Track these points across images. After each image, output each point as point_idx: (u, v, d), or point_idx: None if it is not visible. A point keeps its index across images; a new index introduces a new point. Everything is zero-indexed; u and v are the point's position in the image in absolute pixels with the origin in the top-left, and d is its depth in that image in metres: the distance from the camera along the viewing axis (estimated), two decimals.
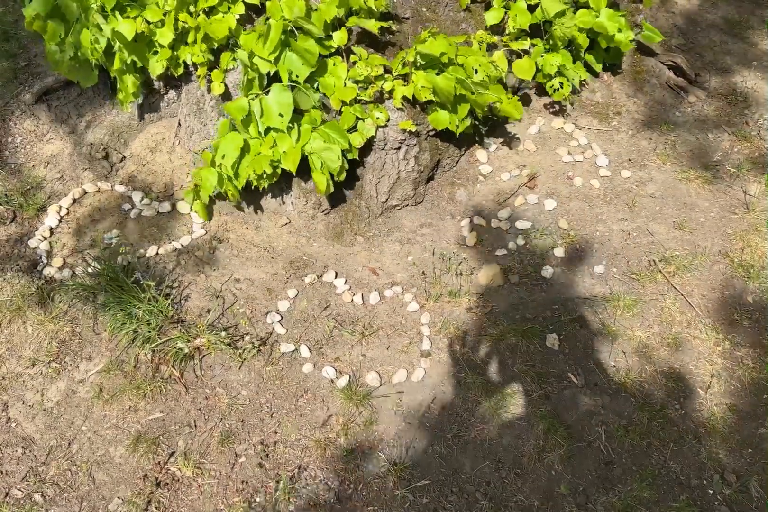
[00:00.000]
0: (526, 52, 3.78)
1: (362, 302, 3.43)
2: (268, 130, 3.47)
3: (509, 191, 3.88)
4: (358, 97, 3.48)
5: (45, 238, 3.66)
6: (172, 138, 3.98)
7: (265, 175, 3.46)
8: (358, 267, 3.60)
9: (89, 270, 3.39)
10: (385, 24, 3.43)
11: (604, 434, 2.97)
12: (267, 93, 3.39)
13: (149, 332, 3.17)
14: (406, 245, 3.69)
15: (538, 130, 4.12)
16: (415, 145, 3.65)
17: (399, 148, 3.63)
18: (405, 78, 3.47)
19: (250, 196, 3.70)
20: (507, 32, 3.80)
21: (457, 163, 3.96)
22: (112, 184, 3.90)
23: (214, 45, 3.49)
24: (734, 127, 4.22)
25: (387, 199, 3.76)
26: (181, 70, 3.65)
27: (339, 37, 3.40)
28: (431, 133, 3.71)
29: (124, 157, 3.97)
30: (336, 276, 3.52)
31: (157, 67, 3.59)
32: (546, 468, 2.89)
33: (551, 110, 4.22)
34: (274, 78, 3.36)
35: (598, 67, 4.23)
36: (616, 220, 3.73)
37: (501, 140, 4.08)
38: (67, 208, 3.80)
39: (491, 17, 3.73)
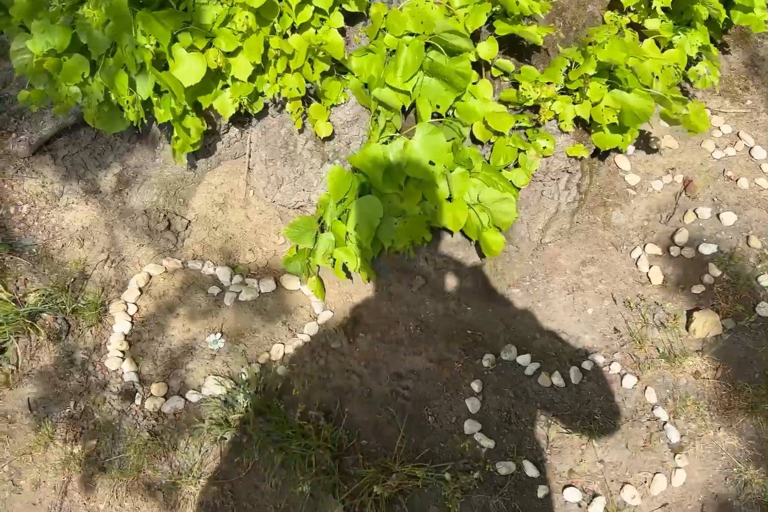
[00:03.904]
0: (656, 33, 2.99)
1: (564, 384, 2.74)
2: (406, 180, 2.65)
3: (670, 205, 3.22)
4: (518, 124, 2.69)
5: (123, 353, 2.75)
6: (243, 187, 3.06)
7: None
8: (533, 332, 2.90)
9: (222, 399, 2.54)
10: (550, 30, 2.59)
11: None
12: (408, 135, 2.57)
13: (329, 478, 2.40)
14: (577, 293, 2.99)
15: None
16: (578, 170, 2.90)
17: (559, 178, 2.88)
18: (568, 91, 2.69)
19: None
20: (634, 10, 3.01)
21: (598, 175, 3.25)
22: (182, 260, 2.98)
23: (313, 73, 2.58)
24: None
25: (541, 238, 3.03)
26: (260, 107, 2.73)
27: (487, 51, 2.56)
28: None
29: (189, 222, 3.04)
30: (518, 352, 2.81)
31: (229, 106, 2.66)
32: None
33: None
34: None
35: (718, 37, 3.54)
36: None
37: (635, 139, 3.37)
38: (136, 304, 2.87)
39: None
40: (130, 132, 3.02)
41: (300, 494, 2.40)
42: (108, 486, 2.43)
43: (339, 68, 2.61)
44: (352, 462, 2.47)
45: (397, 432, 2.57)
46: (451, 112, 2.68)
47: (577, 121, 2.76)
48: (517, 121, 2.66)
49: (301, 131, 2.80)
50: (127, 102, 2.48)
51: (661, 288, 2.99)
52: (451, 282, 2.97)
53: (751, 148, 3.37)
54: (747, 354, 2.81)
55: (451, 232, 2.80)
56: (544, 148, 2.69)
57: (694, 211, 3.18)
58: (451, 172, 2.63)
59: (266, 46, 2.48)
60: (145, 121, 2.57)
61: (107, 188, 3.07)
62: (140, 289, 2.90)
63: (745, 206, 3.20)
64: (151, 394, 2.64)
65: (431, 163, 2.56)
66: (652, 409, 2.68)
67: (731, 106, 3.56)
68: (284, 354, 2.74)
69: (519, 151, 2.71)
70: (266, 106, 2.81)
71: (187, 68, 2.44)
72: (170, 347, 2.75)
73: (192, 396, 2.61)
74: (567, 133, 2.76)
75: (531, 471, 2.53)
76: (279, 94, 2.61)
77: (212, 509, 2.40)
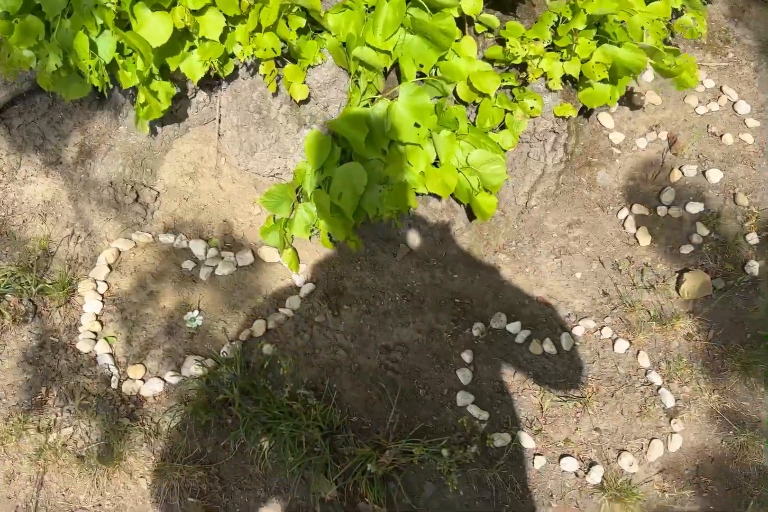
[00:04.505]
0: None
1: (555, 351, 2.67)
2: (390, 144, 2.52)
3: (655, 163, 3.13)
4: (503, 83, 2.56)
5: (96, 335, 2.60)
6: (215, 155, 2.90)
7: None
8: (522, 299, 2.81)
9: (204, 380, 2.42)
10: None
11: None
12: (390, 96, 2.43)
13: (321, 458, 2.31)
14: (564, 257, 2.91)
15: (654, 76, 3.32)
16: (565, 131, 2.79)
17: (546, 139, 2.77)
18: (555, 48, 2.56)
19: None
20: None
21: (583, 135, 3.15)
22: (152, 233, 2.81)
23: (290, 31, 2.41)
24: None
25: (527, 202, 2.93)
26: (230, 69, 2.56)
27: (472, 5, 2.42)
28: None
29: (158, 193, 2.87)
30: (508, 320, 2.72)
31: (198, 69, 2.48)
32: None
33: None
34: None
35: None
36: None
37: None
38: (106, 282, 2.71)
39: None
40: (90, 98, 2.81)
41: (291, 475, 2.30)
42: (87, 475, 2.30)
43: (315, 26, 2.44)
44: (343, 441, 2.38)
45: (389, 407, 2.48)
46: (434, 71, 2.53)
47: (564, 79, 2.64)
48: (503, 80, 2.53)
49: (275, 94, 2.63)
50: (89, 66, 2.28)
51: (649, 249, 2.92)
52: (436, 249, 2.86)
53: (735, 102, 3.29)
54: (738, 315, 2.77)
55: (439, 198, 2.67)
56: (532, 108, 2.57)
57: (679, 168, 3.10)
58: (437, 134, 2.49)
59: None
60: (110, 86, 2.37)
61: (68, 159, 2.87)
62: (110, 266, 2.74)
63: (730, 163, 3.13)
64: (128, 377, 2.49)
65: (416, 125, 2.42)
66: (646, 374, 2.63)
67: (713, 60, 3.47)
68: (267, 330, 2.61)
69: (506, 111, 2.59)
70: (237, 68, 2.64)
71: (152, 29, 2.26)
72: (145, 326, 2.61)
73: (172, 378, 2.47)
74: (555, 91, 2.64)
75: (527, 441, 2.47)
76: (252, 55, 2.44)
77: (200, 494, 2.30)
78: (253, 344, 2.57)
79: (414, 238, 2.85)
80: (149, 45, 2.20)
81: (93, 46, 2.26)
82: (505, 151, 2.66)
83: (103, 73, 2.29)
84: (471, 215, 2.77)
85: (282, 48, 2.46)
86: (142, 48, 2.18)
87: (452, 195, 2.61)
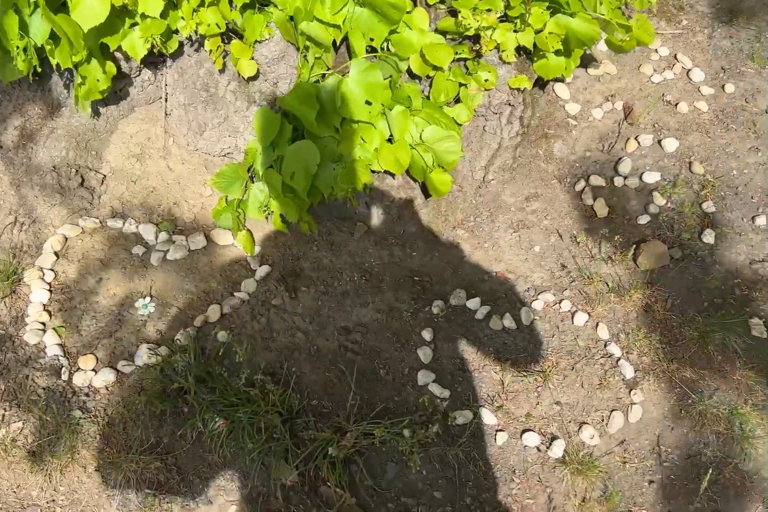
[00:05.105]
0: None
1: (515, 326, 2.66)
2: (342, 121, 2.45)
3: (611, 134, 3.11)
4: (457, 56, 2.50)
5: (44, 325, 2.52)
6: (162, 135, 2.80)
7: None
8: (481, 274, 2.79)
9: (158, 368, 2.35)
10: None
11: None
12: (341, 72, 2.36)
13: (280, 444, 2.27)
14: (522, 231, 2.88)
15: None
16: (520, 103, 2.74)
17: (502, 112, 2.72)
18: (508, 18, 2.49)
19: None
20: None
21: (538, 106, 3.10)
22: (100, 218, 2.72)
23: (232, 10, 2.32)
24: None
25: (484, 176, 2.88)
26: (174, 46, 2.46)
27: None
28: None
29: (105, 177, 2.77)
30: (467, 296, 2.69)
31: (140, 47, 2.38)
32: None
33: None
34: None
35: None
36: (746, 150, 3.08)
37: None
38: (53, 270, 2.62)
39: None
40: (29, 79, 2.69)
41: (250, 462, 2.26)
42: (39, 471, 2.24)
43: (261, 0, 2.35)
44: (303, 425, 2.34)
45: (349, 389, 2.45)
46: (386, 45, 2.46)
47: (519, 50, 2.59)
48: (456, 53, 2.46)
49: (222, 71, 2.54)
50: (17, 48, 2.17)
51: (606, 221, 2.91)
52: (394, 227, 2.81)
53: (689, 70, 3.27)
54: (695, 284, 2.77)
55: (393, 175, 2.62)
56: (486, 80, 2.52)
57: (635, 138, 3.08)
58: (390, 110, 2.43)
59: None
60: (39, 69, 2.26)
61: (9, 143, 2.75)
62: (56, 253, 2.64)
63: (685, 131, 3.12)
64: (79, 368, 2.42)
65: (368, 102, 2.35)
66: (605, 346, 2.63)
67: (667, 27, 3.44)
68: (222, 315, 2.55)
69: (460, 85, 2.53)
70: (182, 44, 2.54)
71: (89, 7, 2.16)
72: (95, 315, 2.53)
73: (125, 368, 2.41)
74: (509, 63, 2.59)
75: (488, 418, 2.46)
76: (196, 31, 2.34)
77: (157, 485, 2.25)
78: (208, 330, 2.51)
79: (371, 216, 2.80)
80: (80, 30, 2.09)
81: (24, 27, 2.15)
82: (460, 125, 2.61)
83: (32, 55, 2.18)
84: (427, 192, 2.72)
85: (228, 23, 2.37)
86: (71, 33, 2.07)
87: (408, 172, 2.56)
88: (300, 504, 2.25)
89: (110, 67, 2.44)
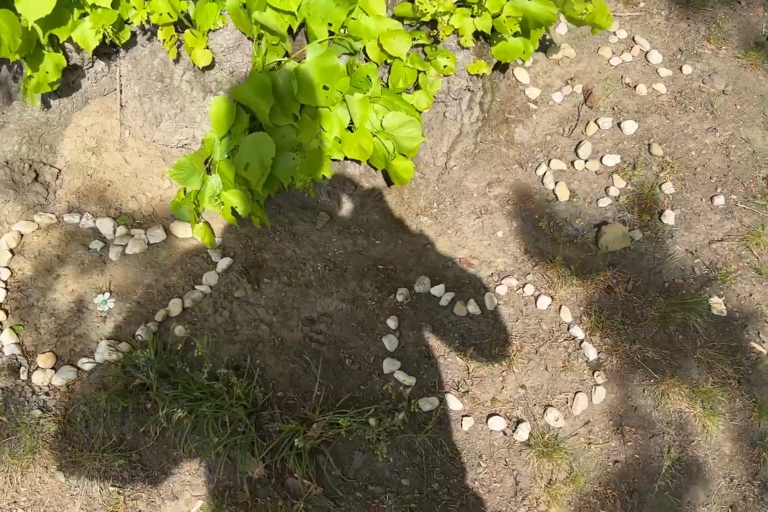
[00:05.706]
0: None
1: (480, 311, 2.66)
2: (301, 109, 2.42)
3: (571, 117, 3.11)
4: (415, 42, 2.47)
5: (0, 324, 2.47)
6: (118, 127, 2.75)
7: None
8: (446, 261, 2.78)
9: (119, 365, 2.32)
10: None
11: None
12: (297, 58, 2.33)
13: (246, 437, 2.26)
14: (485, 216, 2.88)
15: (568, 28, 3.28)
16: (480, 88, 2.73)
17: (462, 98, 2.71)
18: (465, 3, 2.47)
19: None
20: None
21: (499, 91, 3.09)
22: (56, 214, 2.67)
23: None
24: None
25: (446, 162, 2.87)
26: (127, 36, 2.41)
27: None
28: None
29: (60, 171, 2.71)
30: (432, 283, 2.69)
31: (91, 38, 2.33)
32: None
33: None
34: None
35: None
36: (703, 131, 3.10)
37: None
38: (8, 268, 2.57)
39: None
40: None
41: (216, 456, 2.25)
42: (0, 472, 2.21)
43: None
44: (269, 418, 2.33)
45: (314, 380, 2.44)
46: (343, 31, 2.43)
47: (476, 35, 2.57)
48: (414, 39, 2.44)
49: (176, 61, 2.50)
50: None
51: (568, 204, 2.92)
52: (357, 216, 2.80)
53: (647, 52, 3.28)
54: (656, 265, 2.80)
55: (358, 162, 2.60)
56: (445, 66, 2.50)
57: (595, 121, 3.09)
58: (350, 96, 2.40)
59: None
60: None
61: None
62: (11, 251, 2.59)
63: (644, 113, 3.14)
64: (38, 367, 2.38)
65: (325, 88, 2.33)
66: (569, 328, 2.65)
67: (625, 10, 3.44)
68: (183, 309, 2.52)
69: (418, 71, 2.51)
70: (134, 34, 2.50)
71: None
72: (54, 312, 2.48)
73: (85, 365, 2.37)
74: (467, 48, 2.58)
75: (454, 404, 2.47)
76: (148, 20, 2.29)
77: (121, 482, 2.23)
78: (170, 325, 2.48)
79: (333, 205, 2.78)
80: (18, 26, 2.03)
81: None
82: (420, 112, 2.59)
83: None
84: (389, 180, 2.71)
85: (182, 12, 2.32)
86: (8, 29, 2.01)
87: (368, 161, 2.54)
88: (267, 497, 2.24)
89: (60, 58, 2.38)
